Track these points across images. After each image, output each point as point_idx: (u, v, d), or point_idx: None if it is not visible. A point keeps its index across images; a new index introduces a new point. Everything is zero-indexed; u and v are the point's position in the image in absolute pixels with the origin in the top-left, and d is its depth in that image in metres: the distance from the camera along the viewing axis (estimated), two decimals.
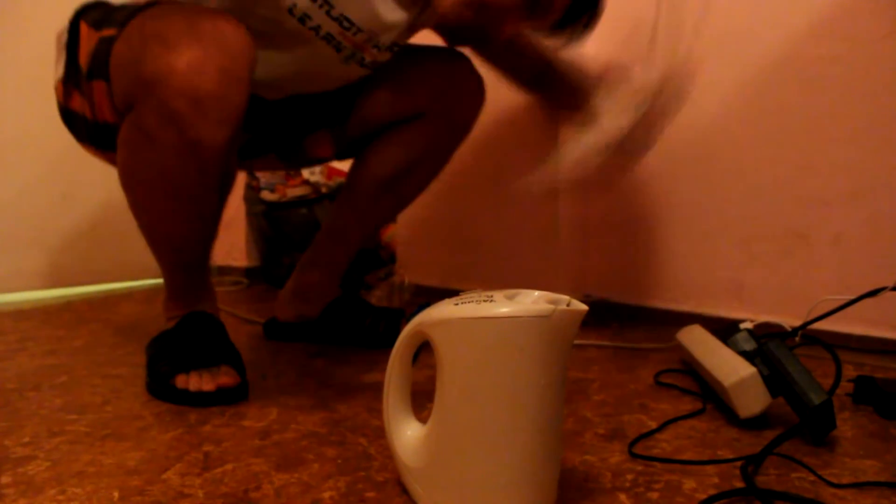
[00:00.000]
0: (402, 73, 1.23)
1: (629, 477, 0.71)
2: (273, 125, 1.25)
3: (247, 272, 2.26)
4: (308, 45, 1.06)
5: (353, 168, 1.33)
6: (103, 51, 1.01)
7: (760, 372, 0.85)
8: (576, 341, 1.28)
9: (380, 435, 0.82)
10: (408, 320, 0.65)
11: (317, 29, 1.04)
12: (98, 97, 1.02)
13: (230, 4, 0.99)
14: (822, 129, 1.24)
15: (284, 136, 1.29)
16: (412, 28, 1.15)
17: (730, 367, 0.88)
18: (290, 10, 1.01)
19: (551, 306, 0.57)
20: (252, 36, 0.94)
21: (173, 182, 0.94)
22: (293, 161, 1.38)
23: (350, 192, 1.33)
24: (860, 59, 1.19)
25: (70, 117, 1.11)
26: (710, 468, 0.73)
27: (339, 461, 0.75)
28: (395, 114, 1.25)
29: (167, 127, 0.88)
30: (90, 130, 1.09)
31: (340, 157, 1.35)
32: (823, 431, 0.80)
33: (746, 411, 0.85)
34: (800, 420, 0.81)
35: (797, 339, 0.98)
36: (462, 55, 1.26)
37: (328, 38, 1.06)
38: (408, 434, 0.65)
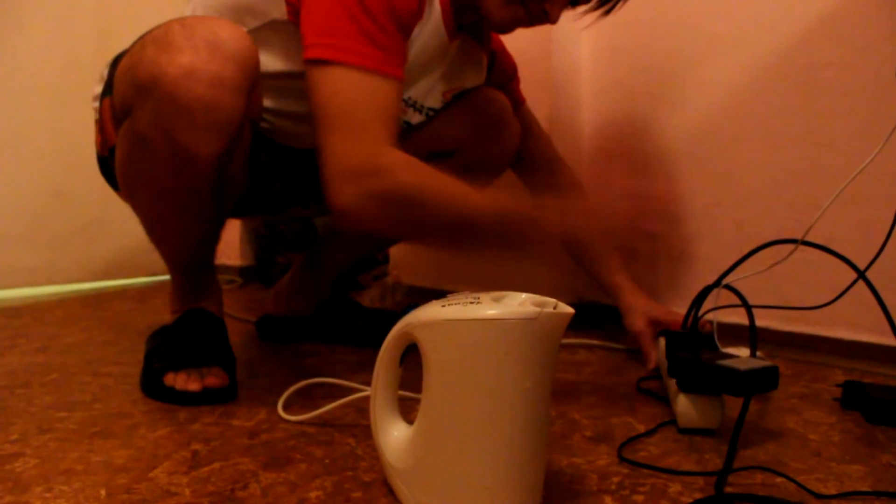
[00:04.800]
0: (444, 111, 1.23)
1: (615, 479, 0.71)
2: (308, 173, 1.23)
3: (241, 271, 2.26)
4: None
5: None
6: (111, 68, 1.01)
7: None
8: (567, 343, 1.31)
9: (368, 435, 0.82)
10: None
11: None
12: (105, 116, 1.02)
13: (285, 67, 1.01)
14: (814, 133, 1.24)
15: (320, 182, 1.27)
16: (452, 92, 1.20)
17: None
18: None
19: (537, 309, 0.57)
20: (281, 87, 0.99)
21: (166, 186, 0.93)
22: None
23: None
24: (853, 63, 1.19)
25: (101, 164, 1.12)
26: (695, 470, 0.74)
27: (327, 461, 0.76)
28: (432, 149, 1.26)
29: (158, 132, 0.88)
30: (102, 165, 1.09)
31: None
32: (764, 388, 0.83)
33: (685, 421, 0.86)
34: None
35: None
36: (502, 98, 1.27)
37: None
38: (394, 435, 0.66)
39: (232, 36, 0.88)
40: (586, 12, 1.08)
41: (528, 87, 1.37)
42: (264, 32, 0.97)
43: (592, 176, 1.56)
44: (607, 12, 1.08)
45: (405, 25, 0.93)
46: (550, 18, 1.03)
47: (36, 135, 1.92)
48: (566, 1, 1.04)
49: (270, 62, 0.99)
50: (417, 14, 0.95)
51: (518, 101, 1.34)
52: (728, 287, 0.96)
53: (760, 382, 0.81)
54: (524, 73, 1.36)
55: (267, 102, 1.05)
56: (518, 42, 1.33)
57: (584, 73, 1.58)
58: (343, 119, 0.86)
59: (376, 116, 0.88)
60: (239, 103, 0.89)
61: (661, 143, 1.46)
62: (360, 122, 0.86)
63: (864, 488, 0.70)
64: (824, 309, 1.02)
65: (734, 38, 1.34)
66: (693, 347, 0.90)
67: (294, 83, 1.02)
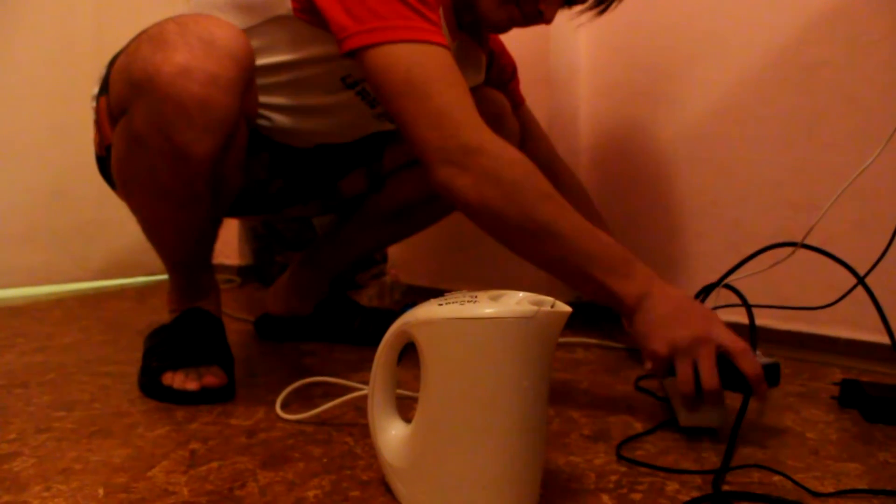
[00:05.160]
0: None
1: (613, 478, 0.71)
2: (307, 172, 1.23)
3: (239, 270, 2.26)
4: (343, 101, 1.07)
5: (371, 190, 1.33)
6: (108, 67, 1.01)
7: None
8: (564, 342, 1.31)
9: (366, 434, 0.82)
10: None
11: (354, 85, 1.05)
12: (101, 115, 1.02)
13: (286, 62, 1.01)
14: (812, 132, 1.25)
15: (319, 182, 1.28)
16: None
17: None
18: (343, 79, 1.03)
19: (535, 307, 0.57)
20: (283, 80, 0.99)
21: (162, 185, 0.93)
22: (331, 205, 1.38)
23: (362, 212, 1.33)
24: (851, 63, 1.20)
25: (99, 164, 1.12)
26: (693, 469, 0.74)
27: (325, 460, 0.76)
28: None
29: (154, 131, 0.87)
30: (100, 165, 1.09)
31: (374, 191, 1.33)
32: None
33: (687, 420, 0.85)
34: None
35: None
36: (500, 98, 1.26)
37: (363, 93, 1.07)
38: (392, 433, 0.66)
39: (227, 34, 0.87)
40: (582, 11, 1.08)
41: (527, 87, 1.38)
42: (268, 27, 0.97)
43: (591, 175, 1.56)
44: (602, 11, 1.08)
45: (439, 2, 0.93)
46: (545, 18, 1.03)
47: (35, 134, 1.91)
48: (561, 1, 1.04)
49: (275, 55, 0.99)
50: None
51: (517, 102, 1.34)
52: (728, 286, 0.97)
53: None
54: (523, 74, 1.36)
55: (272, 99, 1.05)
56: (516, 42, 1.33)
57: (582, 73, 1.58)
58: (426, 99, 0.86)
59: (456, 89, 0.88)
60: (234, 101, 0.89)
61: (659, 142, 1.46)
62: (444, 100, 0.86)
63: (861, 486, 0.70)
64: (823, 308, 1.03)
65: (733, 37, 1.34)
66: None
67: (301, 72, 1.01)
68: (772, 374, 0.82)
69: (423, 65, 0.87)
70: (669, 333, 0.83)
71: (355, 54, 0.88)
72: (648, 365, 0.86)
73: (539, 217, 0.86)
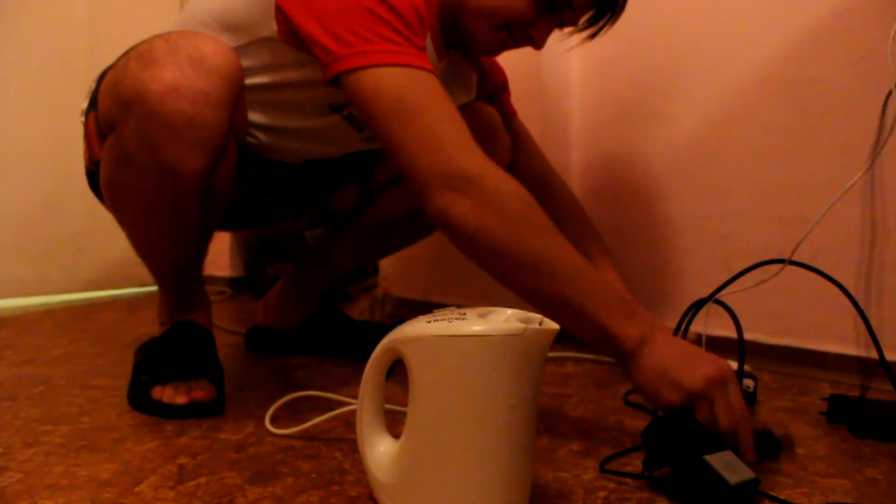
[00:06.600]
0: None
1: (601, 494, 0.71)
2: (298, 187, 1.24)
3: (230, 282, 2.26)
4: (330, 123, 1.07)
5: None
6: (97, 83, 1.01)
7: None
8: (554, 356, 1.31)
9: (355, 449, 0.82)
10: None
11: (341, 109, 1.05)
12: (90, 131, 1.02)
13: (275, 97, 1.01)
14: (802, 147, 1.25)
15: (310, 196, 1.28)
16: None
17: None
18: (331, 105, 1.04)
19: (522, 325, 0.58)
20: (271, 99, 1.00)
21: (151, 201, 0.93)
22: (321, 219, 1.38)
23: (353, 226, 1.34)
24: (838, 79, 1.21)
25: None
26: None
27: (314, 475, 0.76)
28: None
29: (143, 148, 0.88)
30: (90, 179, 1.09)
31: (365, 205, 1.34)
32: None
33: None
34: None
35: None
36: (492, 112, 1.27)
37: (350, 118, 1.07)
38: (380, 450, 0.66)
39: (216, 51, 0.88)
40: (573, 33, 1.09)
41: (519, 100, 1.38)
42: (253, 48, 0.97)
43: (582, 189, 1.57)
44: (593, 35, 1.09)
45: (426, 26, 0.93)
46: (536, 44, 1.03)
47: (26, 145, 1.91)
48: (552, 27, 1.04)
49: (258, 76, 0.99)
50: (429, 14, 0.95)
51: (509, 114, 1.34)
52: (718, 302, 0.97)
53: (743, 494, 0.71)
54: (515, 87, 1.37)
55: (255, 118, 1.05)
56: (508, 56, 1.32)
57: (574, 86, 1.59)
58: (419, 122, 0.83)
59: (450, 114, 0.85)
60: (223, 118, 0.89)
61: (650, 156, 1.47)
62: (439, 124, 0.84)
63: (849, 502, 0.70)
64: (811, 322, 1.03)
65: (723, 52, 1.35)
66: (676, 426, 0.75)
67: (281, 95, 1.02)
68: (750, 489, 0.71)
69: (415, 89, 0.84)
70: (680, 377, 0.77)
71: (341, 77, 0.86)
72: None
73: (539, 252, 0.82)
